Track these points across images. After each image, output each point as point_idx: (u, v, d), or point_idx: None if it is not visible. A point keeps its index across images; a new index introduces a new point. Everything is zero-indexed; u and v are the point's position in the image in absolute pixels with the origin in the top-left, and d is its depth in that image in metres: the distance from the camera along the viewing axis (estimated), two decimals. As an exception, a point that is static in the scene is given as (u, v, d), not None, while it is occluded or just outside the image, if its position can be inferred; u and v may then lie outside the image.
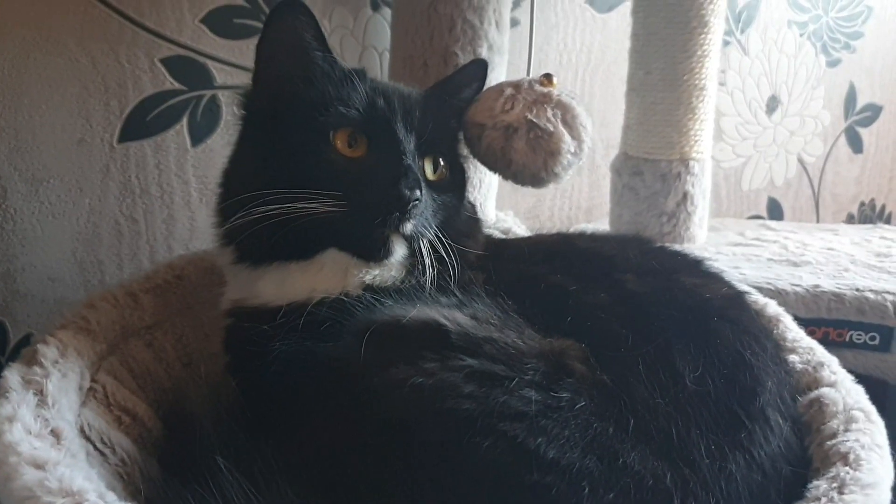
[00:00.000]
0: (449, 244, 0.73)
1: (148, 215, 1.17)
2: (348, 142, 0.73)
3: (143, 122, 1.13)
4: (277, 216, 0.68)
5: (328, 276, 0.74)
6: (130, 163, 1.14)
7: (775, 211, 1.86)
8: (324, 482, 0.59)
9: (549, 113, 0.79)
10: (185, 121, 1.16)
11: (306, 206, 0.68)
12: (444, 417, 0.57)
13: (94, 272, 1.15)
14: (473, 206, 0.87)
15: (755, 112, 1.76)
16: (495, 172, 0.84)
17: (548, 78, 0.82)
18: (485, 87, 0.88)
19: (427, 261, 0.72)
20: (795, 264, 1.15)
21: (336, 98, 0.73)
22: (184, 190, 1.18)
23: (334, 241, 0.73)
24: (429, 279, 0.72)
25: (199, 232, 1.19)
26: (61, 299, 1.12)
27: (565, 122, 0.80)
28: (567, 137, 0.79)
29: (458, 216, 0.80)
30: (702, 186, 1.22)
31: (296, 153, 0.72)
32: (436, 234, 0.74)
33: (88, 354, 0.72)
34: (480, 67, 0.88)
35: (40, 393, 0.63)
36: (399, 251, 0.73)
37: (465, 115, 0.85)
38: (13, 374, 0.65)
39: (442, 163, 0.79)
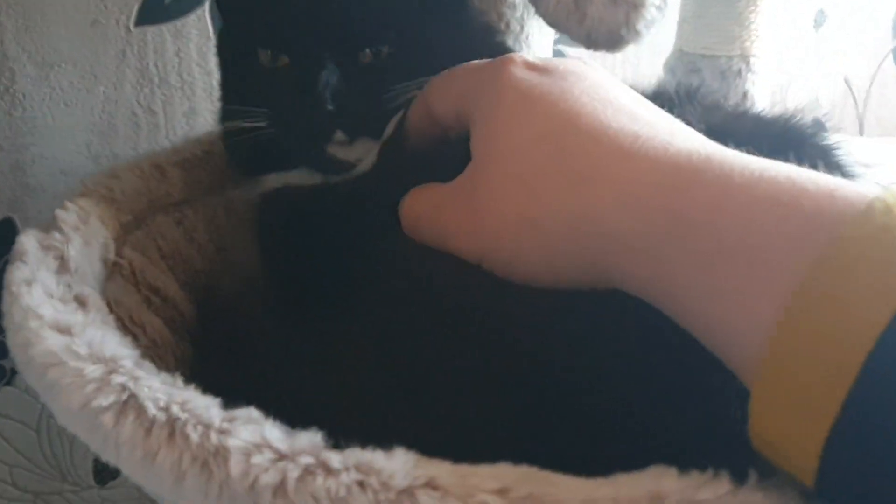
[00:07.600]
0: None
1: (167, 107, 1.08)
2: (272, 57, 0.66)
3: (161, 4, 1.04)
4: (231, 130, 0.68)
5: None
6: (148, 49, 1.05)
7: (820, 132, 1.78)
8: (370, 367, 0.52)
9: (633, -41, 0.69)
10: (206, 5, 1.06)
11: (247, 122, 0.64)
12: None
13: (109, 166, 1.07)
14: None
15: (802, 28, 1.68)
16: (563, 31, 0.73)
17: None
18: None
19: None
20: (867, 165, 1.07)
21: (259, 12, 0.67)
22: (205, 81, 1.09)
23: (289, 158, 0.69)
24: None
25: (222, 127, 1.11)
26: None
27: (651, -30, 0.70)
28: (654, -13, 0.70)
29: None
30: (763, 85, 1.13)
31: (233, 72, 0.72)
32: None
33: (113, 225, 0.64)
34: None
35: (61, 258, 0.56)
36: (354, 153, 0.65)
37: None
38: (29, 239, 0.58)
39: (386, 48, 0.66)
